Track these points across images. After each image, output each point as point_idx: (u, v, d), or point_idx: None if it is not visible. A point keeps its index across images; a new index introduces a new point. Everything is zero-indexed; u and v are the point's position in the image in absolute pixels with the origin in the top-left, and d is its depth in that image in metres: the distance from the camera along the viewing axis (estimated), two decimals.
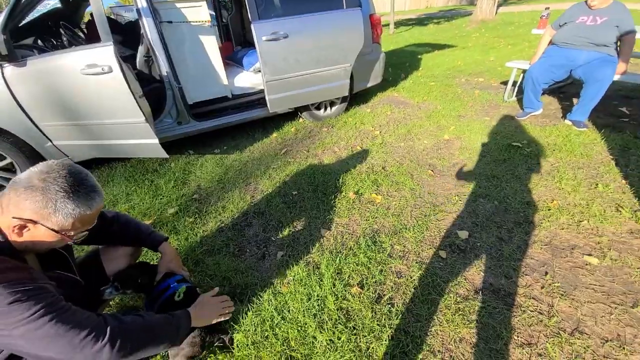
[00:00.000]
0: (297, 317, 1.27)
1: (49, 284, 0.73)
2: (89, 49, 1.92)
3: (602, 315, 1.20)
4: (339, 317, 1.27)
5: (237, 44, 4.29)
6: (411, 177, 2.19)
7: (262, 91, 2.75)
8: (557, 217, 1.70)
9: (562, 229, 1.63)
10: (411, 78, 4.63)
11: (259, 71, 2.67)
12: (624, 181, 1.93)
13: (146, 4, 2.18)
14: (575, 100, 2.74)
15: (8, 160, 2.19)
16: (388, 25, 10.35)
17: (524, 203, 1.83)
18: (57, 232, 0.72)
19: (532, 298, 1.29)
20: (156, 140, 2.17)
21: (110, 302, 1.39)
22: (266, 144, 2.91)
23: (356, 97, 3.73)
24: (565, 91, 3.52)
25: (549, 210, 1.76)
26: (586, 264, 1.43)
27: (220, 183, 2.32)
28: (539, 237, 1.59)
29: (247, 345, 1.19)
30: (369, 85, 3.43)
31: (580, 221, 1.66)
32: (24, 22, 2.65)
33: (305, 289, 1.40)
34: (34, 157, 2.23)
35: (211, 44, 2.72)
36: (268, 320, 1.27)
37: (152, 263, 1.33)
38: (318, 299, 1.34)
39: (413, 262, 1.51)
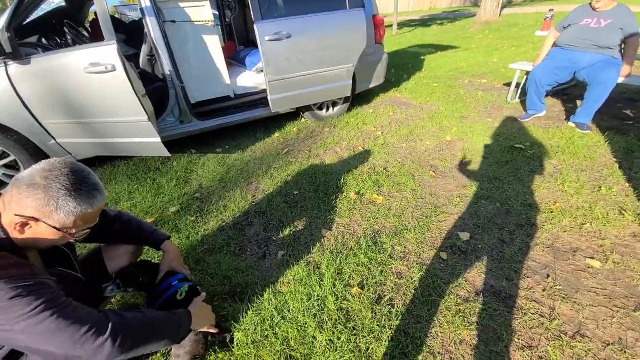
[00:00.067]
0: (297, 317, 1.27)
1: (50, 279, 0.73)
2: (92, 47, 1.93)
3: (604, 319, 1.20)
4: (338, 317, 1.27)
5: (239, 44, 4.30)
6: (413, 178, 2.18)
7: (264, 91, 2.76)
8: (559, 220, 1.69)
9: (564, 231, 1.62)
10: (414, 79, 4.63)
11: (262, 71, 2.67)
12: (627, 184, 1.92)
13: (150, 3, 2.19)
14: (578, 102, 2.73)
15: (11, 158, 2.21)
16: (391, 25, 10.34)
17: (526, 205, 1.83)
18: (58, 229, 0.73)
19: (534, 300, 1.29)
20: (158, 139, 2.17)
21: (112, 300, 1.39)
22: (268, 144, 2.91)
23: (358, 98, 3.73)
24: (569, 93, 3.50)
25: (551, 212, 1.75)
26: (588, 267, 1.42)
27: (221, 182, 2.33)
28: (541, 240, 1.58)
29: (247, 344, 1.19)
30: (371, 85, 3.43)
31: (583, 224, 1.65)
32: (28, 20, 2.66)
33: (305, 288, 1.40)
34: (37, 154, 2.24)
35: (214, 44, 2.73)
36: (268, 320, 1.27)
37: (153, 261, 1.34)
38: (318, 299, 1.34)
39: (414, 263, 1.51)
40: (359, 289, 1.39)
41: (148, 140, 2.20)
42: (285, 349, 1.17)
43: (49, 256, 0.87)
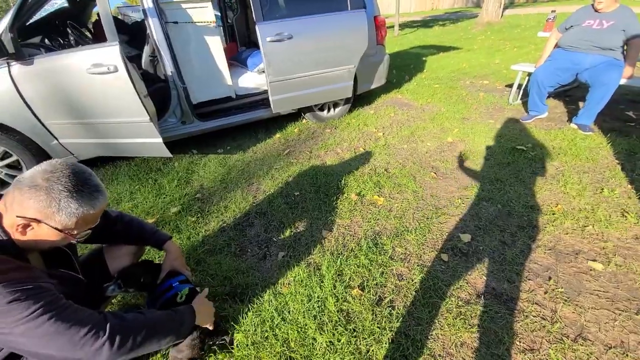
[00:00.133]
0: (297, 318, 1.27)
1: (50, 282, 0.74)
2: (95, 48, 1.94)
3: (606, 322, 1.19)
4: (339, 319, 1.26)
5: (241, 45, 4.31)
6: (414, 180, 2.18)
7: (265, 92, 2.76)
8: (561, 222, 1.68)
9: (567, 233, 1.62)
10: (415, 80, 4.62)
11: (263, 72, 2.68)
12: (629, 186, 1.91)
13: (152, 4, 2.20)
14: (581, 104, 2.71)
15: (14, 158, 2.22)
16: (393, 27, 10.35)
17: (527, 207, 1.82)
18: (60, 231, 0.73)
19: (535, 303, 1.28)
20: (160, 140, 2.18)
21: (113, 300, 1.39)
22: (269, 145, 2.92)
23: (360, 99, 3.72)
24: (571, 94, 3.49)
25: (553, 214, 1.74)
26: (590, 270, 1.41)
27: (222, 183, 2.33)
28: (543, 242, 1.58)
29: (247, 345, 1.19)
30: (373, 86, 3.43)
31: (585, 226, 1.64)
32: (31, 21, 2.68)
33: (305, 290, 1.40)
34: (40, 155, 2.25)
35: (216, 45, 2.73)
36: (268, 321, 1.27)
37: (155, 262, 1.34)
38: (318, 301, 1.34)
39: (414, 264, 1.51)
40: (360, 291, 1.38)
41: (150, 141, 2.21)
42: (285, 350, 1.17)
43: (50, 257, 0.87)
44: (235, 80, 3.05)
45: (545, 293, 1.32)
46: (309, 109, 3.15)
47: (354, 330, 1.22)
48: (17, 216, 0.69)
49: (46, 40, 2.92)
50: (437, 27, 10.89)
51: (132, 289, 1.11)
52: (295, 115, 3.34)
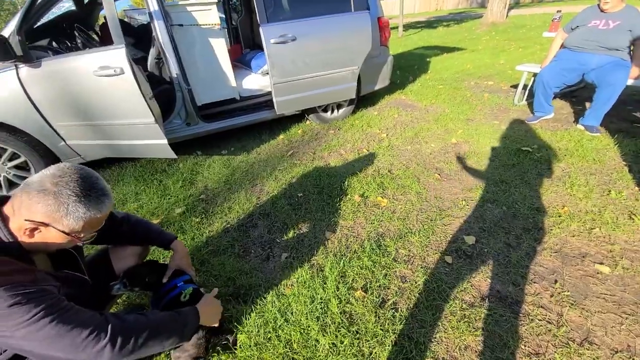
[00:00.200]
0: (300, 320, 1.27)
1: (53, 285, 0.74)
2: (102, 51, 1.96)
3: (613, 326, 1.17)
4: (342, 320, 1.26)
5: (246, 47, 4.34)
6: (417, 181, 2.17)
7: (269, 93, 2.77)
8: (567, 224, 1.66)
9: (573, 236, 1.60)
10: (419, 81, 4.61)
11: (267, 73, 2.69)
12: (637, 188, 1.88)
13: (158, 7, 2.22)
14: (587, 105, 2.68)
15: (22, 159, 2.25)
16: (397, 28, 10.33)
17: (533, 209, 1.80)
18: (67, 234, 0.74)
19: (541, 307, 1.27)
20: (165, 141, 2.20)
21: (118, 300, 1.41)
22: (273, 146, 2.93)
23: (363, 100, 3.72)
24: (578, 95, 3.45)
25: (559, 216, 1.72)
26: (597, 273, 1.39)
27: (226, 184, 2.34)
28: (549, 244, 1.56)
29: (250, 346, 1.19)
30: (377, 88, 3.43)
31: (592, 228, 1.62)
32: (38, 23, 2.72)
33: (308, 291, 1.40)
34: (47, 156, 2.29)
35: (220, 47, 2.76)
36: (271, 322, 1.27)
37: (160, 262, 1.35)
38: (321, 302, 1.34)
39: (418, 266, 1.50)
40: (363, 293, 1.38)
41: (155, 142, 2.23)
42: (288, 352, 1.17)
43: (56, 259, 0.89)
44: (240, 82, 3.07)
45: (551, 296, 1.30)
46: (312, 110, 3.15)
47: (357, 332, 1.22)
48: (25, 220, 0.70)
49: (54, 43, 2.96)
50: (441, 27, 10.85)
51: (137, 288, 1.12)
52: (299, 117, 3.35)
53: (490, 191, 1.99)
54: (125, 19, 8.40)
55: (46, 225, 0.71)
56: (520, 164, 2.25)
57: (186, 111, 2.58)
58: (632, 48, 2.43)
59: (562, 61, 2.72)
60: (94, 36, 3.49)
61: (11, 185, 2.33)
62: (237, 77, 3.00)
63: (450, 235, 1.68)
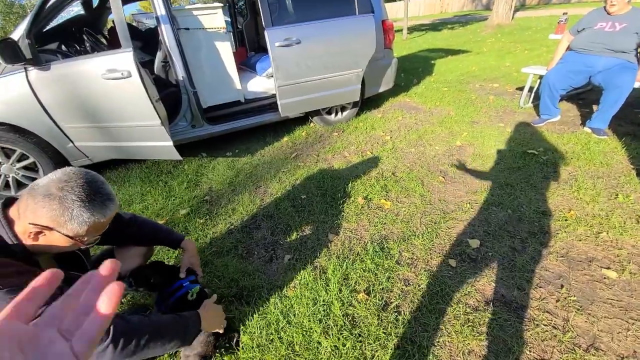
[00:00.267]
0: (303, 322, 1.27)
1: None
2: (110, 54, 2.00)
3: (619, 332, 1.15)
4: (344, 323, 1.26)
5: (251, 50, 4.37)
6: (421, 184, 2.16)
7: (274, 96, 2.79)
8: (574, 228, 1.64)
9: (580, 240, 1.57)
10: (423, 83, 4.60)
11: (272, 76, 2.71)
12: None
13: (165, 11, 2.26)
14: (595, 107, 2.65)
15: (31, 160, 2.29)
16: (401, 30, 10.34)
17: (539, 212, 1.78)
18: (71, 237, 0.75)
19: (547, 312, 1.25)
20: (171, 143, 2.23)
21: (122, 300, 1.42)
22: (277, 148, 2.94)
23: (367, 102, 3.73)
24: (585, 98, 3.41)
25: (565, 220, 1.70)
26: (604, 278, 1.37)
27: (231, 185, 2.36)
28: (555, 249, 1.54)
29: (252, 347, 1.19)
30: (381, 90, 3.43)
31: (599, 233, 1.60)
32: (48, 27, 2.78)
33: (311, 293, 1.40)
34: (56, 157, 2.32)
35: (226, 50, 2.78)
36: (273, 324, 1.27)
37: (166, 263, 1.36)
38: (324, 304, 1.34)
39: (421, 270, 1.49)
40: (366, 295, 1.38)
41: (161, 144, 2.26)
42: (290, 354, 1.17)
43: (62, 259, 0.90)
44: (245, 84, 3.10)
45: (557, 301, 1.29)
46: (316, 113, 3.16)
47: (359, 335, 1.21)
48: (30, 223, 0.71)
49: (63, 47, 3.02)
50: (446, 30, 10.83)
51: (142, 289, 1.14)
52: (303, 119, 3.36)
53: (495, 194, 1.97)
54: (134, 23, 8.53)
55: (50, 229, 0.72)
56: (525, 166, 2.23)
57: (192, 113, 2.61)
58: (638, 50, 2.40)
59: (568, 63, 2.70)
60: (103, 40, 3.55)
61: (20, 185, 2.38)
62: (242, 80, 3.02)
63: (455, 239, 1.66)
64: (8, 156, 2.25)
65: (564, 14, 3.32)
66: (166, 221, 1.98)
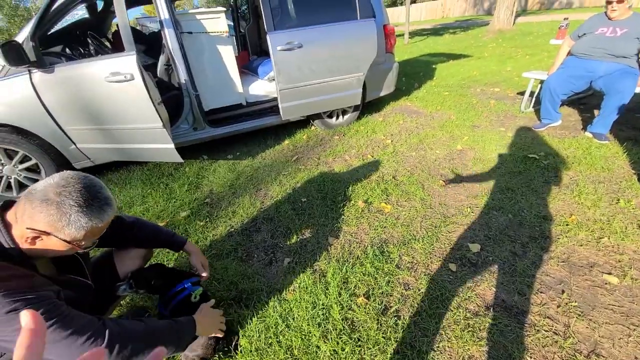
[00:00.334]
0: (302, 326, 1.27)
1: (52, 290, 0.75)
2: (113, 57, 2.02)
3: (620, 337, 1.14)
4: (343, 327, 1.25)
5: (253, 54, 4.40)
6: (422, 187, 2.16)
7: (275, 99, 2.81)
8: (575, 233, 1.63)
9: (581, 245, 1.57)
10: (425, 88, 4.61)
11: (273, 80, 2.73)
12: None
13: (168, 15, 2.29)
14: (596, 112, 2.65)
15: (33, 161, 2.31)
16: (403, 35, 10.39)
17: (540, 217, 1.77)
18: (69, 242, 0.75)
19: (547, 317, 1.24)
20: (172, 145, 2.24)
21: (122, 302, 1.42)
22: (278, 151, 2.95)
23: (368, 106, 3.74)
24: (586, 102, 3.41)
25: (566, 225, 1.69)
26: (605, 283, 1.36)
27: (231, 188, 2.36)
28: (556, 253, 1.53)
29: (251, 351, 1.19)
30: (382, 94, 3.44)
31: (600, 238, 1.59)
32: (52, 30, 2.81)
33: (310, 297, 1.39)
34: (58, 159, 2.34)
35: (228, 54, 2.80)
36: (272, 327, 1.27)
37: (168, 266, 1.36)
38: (323, 308, 1.33)
39: (421, 274, 1.48)
40: (365, 299, 1.37)
41: (162, 146, 2.27)
42: (288, 357, 1.16)
43: (60, 263, 0.90)
44: (246, 87, 3.12)
45: (558, 307, 1.28)
46: (317, 116, 3.17)
47: (359, 340, 1.21)
48: (27, 228, 0.71)
49: (67, 50, 3.05)
50: (448, 35, 10.88)
51: (142, 291, 1.13)
52: (304, 122, 3.37)
53: (495, 198, 1.97)
54: (138, 27, 8.61)
55: (48, 234, 0.72)
56: (526, 171, 2.23)
57: (193, 116, 2.62)
58: (639, 55, 2.41)
59: (569, 68, 2.70)
60: (107, 43, 3.58)
61: (21, 187, 2.39)
62: (244, 83, 3.04)
63: (455, 243, 1.66)
64: (10, 157, 2.27)
65: (565, 19, 3.34)
66: (167, 223, 1.99)
